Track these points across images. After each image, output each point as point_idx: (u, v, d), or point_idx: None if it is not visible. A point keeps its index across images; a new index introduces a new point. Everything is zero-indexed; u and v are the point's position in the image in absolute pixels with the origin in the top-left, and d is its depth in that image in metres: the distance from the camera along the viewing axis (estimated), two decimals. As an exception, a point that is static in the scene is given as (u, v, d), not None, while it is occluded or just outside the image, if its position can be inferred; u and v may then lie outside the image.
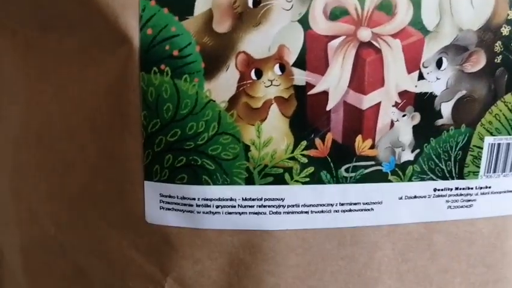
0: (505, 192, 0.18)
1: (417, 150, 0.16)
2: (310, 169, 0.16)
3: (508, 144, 0.17)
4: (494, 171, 0.17)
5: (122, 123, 0.15)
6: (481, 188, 0.17)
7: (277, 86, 0.15)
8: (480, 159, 0.17)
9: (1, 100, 0.18)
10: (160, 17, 0.14)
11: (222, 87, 0.15)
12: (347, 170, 0.16)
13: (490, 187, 0.17)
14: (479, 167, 0.17)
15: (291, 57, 0.15)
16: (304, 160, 0.16)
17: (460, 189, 0.17)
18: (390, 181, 0.16)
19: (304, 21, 0.15)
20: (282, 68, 0.15)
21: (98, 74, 0.15)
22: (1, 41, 0.17)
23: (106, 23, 0.14)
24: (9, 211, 0.18)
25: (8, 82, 0.17)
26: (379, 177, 0.16)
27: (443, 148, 0.17)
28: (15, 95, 0.17)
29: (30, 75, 0.17)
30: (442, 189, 0.17)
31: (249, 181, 0.16)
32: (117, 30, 0.14)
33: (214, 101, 0.15)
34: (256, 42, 0.15)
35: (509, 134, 0.17)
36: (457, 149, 0.17)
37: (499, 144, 0.17)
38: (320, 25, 0.15)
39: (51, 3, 0.15)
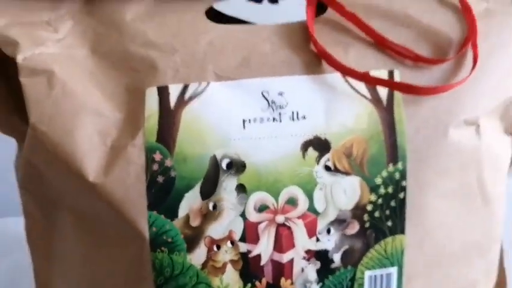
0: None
1: (321, 284, 0.28)
2: (254, 301, 0.28)
3: (381, 275, 0.29)
4: (376, 292, 0.29)
5: (141, 281, 0.28)
6: (368, 305, 0.29)
7: (230, 253, 0.27)
8: (363, 286, 0.29)
9: (64, 262, 0.30)
10: (159, 220, 0.27)
11: (197, 257, 0.27)
12: (278, 299, 0.28)
13: (375, 303, 0.29)
14: (364, 291, 0.29)
15: (237, 236, 0.28)
16: (250, 296, 0.28)
17: (352, 306, 0.29)
18: (305, 304, 0.28)
19: (243, 215, 0.27)
20: (232, 243, 0.27)
21: (125, 253, 0.28)
22: (68, 222, 0.30)
23: (128, 224, 0.27)
24: None
25: (69, 250, 0.30)
26: (298, 302, 0.28)
27: (338, 281, 0.29)
28: (74, 259, 0.30)
29: (85, 245, 0.29)
30: (340, 308, 0.29)
31: (217, 311, 0.28)
32: (135, 229, 0.27)
33: (194, 265, 0.27)
34: (215, 230, 0.27)
35: (381, 268, 0.29)
36: (347, 280, 0.29)
37: (375, 275, 0.29)
38: (252, 216, 0.28)
39: (95, 206, 0.28)
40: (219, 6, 0.30)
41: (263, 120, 0.28)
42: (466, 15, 0.29)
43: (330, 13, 0.29)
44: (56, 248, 0.31)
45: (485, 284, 0.34)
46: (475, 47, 0.29)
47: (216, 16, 0.31)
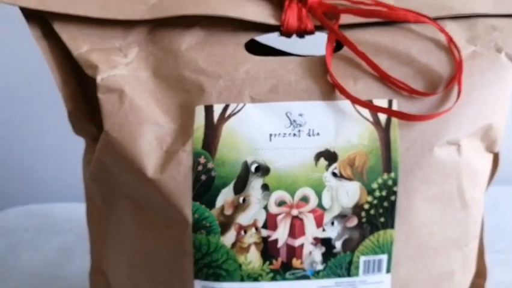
0: (375, 283, 0.37)
1: (325, 264, 0.36)
2: (271, 274, 0.36)
3: (374, 260, 0.37)
4: (368, 272, 0.37)
5: (183, 255, 0.36)
6: (361, 280, 0.37)
7: (254, 237, 0.36)
8: (358, 268, 0.37)
9: (118, 238, 0.39)
10: (200, 209, 0.35)
11: (228, 238, 0.36)
12: (290, 274, 0.36)
13: (366, 280, 0.37)
14: (358, 271, 0.37)
15: (260, 224, 0.36)
16: (268, 270, 0.36)
17: (349, 282, 0.37)
18: (311, 279, 0.36)
19: (266, 208, 0.35)
20: (256, 229, 0.35)
21: (173, 232, 0.36)
22: (126, 207, 0.38)
23: (176, 211, 0.35)
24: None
25: (124, 229, 0.38)
26: (306, 277, 0.36)
27: (338, 263, 0.37)
28: (129, 236, 0.38)
29: (140, 225, 0.37)
30: (339, 282, 0.37)
31: (242, 280, 0.36)
32: (181, 215, 0.35)
33: (225, 244, 0.35)
34: (244, 218, 0.35)
35: (374, 255, 0.37)
36: (346, 263, 0.37)
37: (368, 260, 0.37)
38: (273, 209, 0.35)
39: (150, 196, 0.36)
40: (259, 38, 0.38)
41: (286, 135, 0.35)
42: (455, 56, 0.36)
43: (345, 50, 0.37)
44: (111, 227, 0.40)
45: (462, 273, 0.42)
46: (459, 84, 0.36)
47: (253, 47, 0.38)
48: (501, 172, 0.43)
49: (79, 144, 0.41)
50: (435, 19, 0.38)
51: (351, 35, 0.37)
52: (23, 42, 0.51)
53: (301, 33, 0.38)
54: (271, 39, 0.40)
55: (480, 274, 0.45)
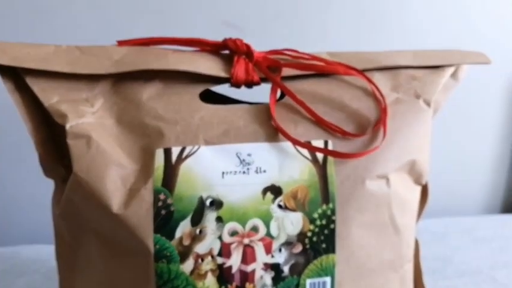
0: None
1: (275, 287, 0.41)
2: (227, 298, 0.40)
3: (319, 282, 0.41)
4: (313, 294, 0.42)
5: (146, 283, 0.40)
6: (307, 302, 0.41)
7: (210, 264, 0.40)
8: (304, 290, 0.41)
9: (86, 271, 0.42)
10: (161, 240, 0.39)
11: (187, 266, 0.40)
12: (243, 297, 0.41)
13: (311, 302, 0.42)
14: (305, 293, 0.41)
15: (215, 252, 0.40)
16: (224, 294, 0.40)
17: (296, 303, 0.41)
18: (262, 302, 0.41)
19: (220, 238, 0.40)
20: (212, 257, 0.40)
21: (136, 263, 0.40)
22: (93, 241, 0.42)
23: (139, 243, 0.39)
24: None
25: (91, 262, 0.42)
26: (257, 300, 0.41)
27: (287, 286, 0.41)
28: (95, 268, 0.42)
29: (106, 257, 0.41)
30: (288, 304, 0.41)
31: (200, 305, 0.40)
32: (144, 246, 0.39)
33: (184, 272, 0.39)
34: (201, 248, 0.40)
35: (318, 277, 0.41)
36: (293, 285, 0.41)
37: (314, 282, 0.41)
38: (227, 239, 0.40)
39: (115, 230, 0.40)
40: (213, 88, 0.43)
41: (236, 172, 0.40)
42: (380, 103, 0.43)
43: (287, 98, 0.43)
44: (79, 261, 0.44)
45: (400, 293, 0.47)
46: (384, 126, 0.42)
47: (207, 96, 0.44)
48: (450, 204, 0.49)
49: (44, 190, 0.44)
50: (364, 70, 0.45)
51: (291, 85, 0.43)
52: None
53: (249, 84, 0.44)
54: (223, 90, 0.45)
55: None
